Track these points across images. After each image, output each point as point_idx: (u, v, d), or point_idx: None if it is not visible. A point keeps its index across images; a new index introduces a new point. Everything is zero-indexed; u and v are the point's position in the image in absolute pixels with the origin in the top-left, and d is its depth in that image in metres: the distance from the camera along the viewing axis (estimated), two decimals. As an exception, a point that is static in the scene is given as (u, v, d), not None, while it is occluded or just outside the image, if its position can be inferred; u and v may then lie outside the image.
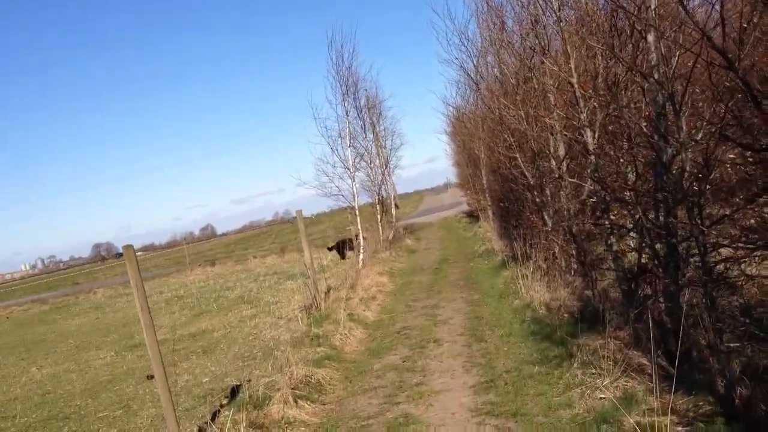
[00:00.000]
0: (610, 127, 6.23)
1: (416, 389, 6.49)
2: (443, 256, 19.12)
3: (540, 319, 8.37)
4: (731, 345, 4.69)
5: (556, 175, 9.80)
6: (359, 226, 17.57)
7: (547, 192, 10.35)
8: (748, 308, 6.50)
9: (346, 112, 17.51)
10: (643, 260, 6.49)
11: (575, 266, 9.82)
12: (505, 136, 10.97)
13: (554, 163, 9.77)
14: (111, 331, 15.85)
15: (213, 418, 6.31)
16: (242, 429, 5.57)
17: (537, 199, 10.53)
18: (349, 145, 17.35)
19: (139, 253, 38.44)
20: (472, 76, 14.84)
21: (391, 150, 27.11)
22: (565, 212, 9.77)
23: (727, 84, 3.57)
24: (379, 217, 22.37)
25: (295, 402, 6.17)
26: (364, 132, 21.67)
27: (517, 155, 10.63)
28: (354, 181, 17.36)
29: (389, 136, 26.86)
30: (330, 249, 23.98)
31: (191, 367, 9.59)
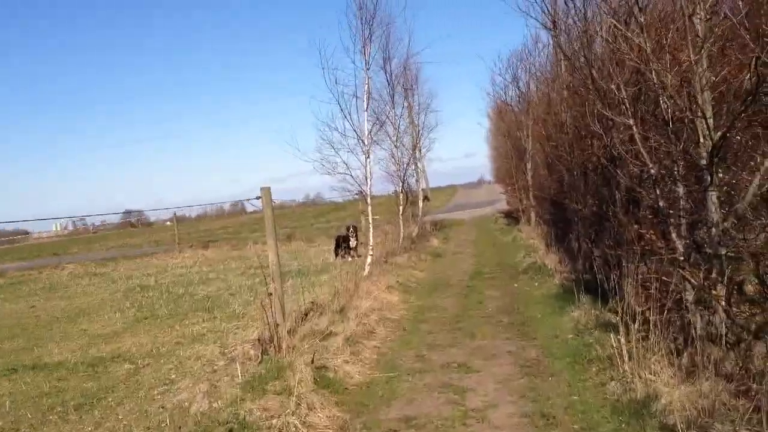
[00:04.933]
0: None
1: None
2: (477, 266, 14.68)
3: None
4: None
5: (704, 161, 5.41)
6: (370, 218, 13.20)
7: (680, 191, 5.88)
8: None
9: (367, 64, 13.04)
10: None
11: (732, 338, 5.35)
12: (612, 86, 6.46)
13: (702, 138, 5.38)
14: (21, 332, 11.76)
15: None
16: None
17: (660, 203, 6.03)
18: (366, 109, 12.90)
19: (171, 223, 34.59)
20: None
21: (423, 129, 22.57)
22: (715, 229, 5.45)
23: None
24: (401, 208, 17.99)
25: None
26: (391, 97, 17.21)
27: (632, 122, 6.13)
28: (369, 157, 12.93)
29: (423, 112, 22.32)
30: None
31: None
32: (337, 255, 18.38)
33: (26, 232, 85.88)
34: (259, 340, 7.49)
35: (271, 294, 7.50)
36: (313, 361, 6.36)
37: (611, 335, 6.24)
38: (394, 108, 17.59)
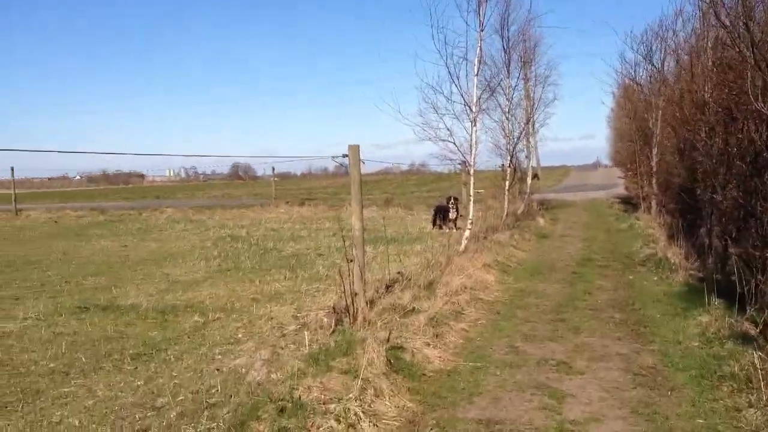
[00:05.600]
0: None
1: None
2: (587, 251, 13.38)
3: None
4: None
5: None
6: (471, 189, 12.18)
7: None
8: None
9: (481, 25, 11.85)
10: None
11: None
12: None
13: None
14: (106, 270, 11.69)
15: None
16: None
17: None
18: (477, 74, 11.76)
19: (275, 179, 35.36)
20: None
21: (538, 102, 21.06)
22: None
23: None
24: (507, 183, 16.80)
25: None
26: (506, 65, 15.98)
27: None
28: (475, 125, 11.85)
29: (540, 84, 20.80)
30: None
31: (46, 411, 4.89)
32: (434, 225, 17.61)
33: (142, 175, 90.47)
34: (334, 308, 6.76)
35: (351, 260, 6.74)
36: (389, 340, 5.55)
37: (751, 351, 5.12)
38: (509, 77, 16.33)
